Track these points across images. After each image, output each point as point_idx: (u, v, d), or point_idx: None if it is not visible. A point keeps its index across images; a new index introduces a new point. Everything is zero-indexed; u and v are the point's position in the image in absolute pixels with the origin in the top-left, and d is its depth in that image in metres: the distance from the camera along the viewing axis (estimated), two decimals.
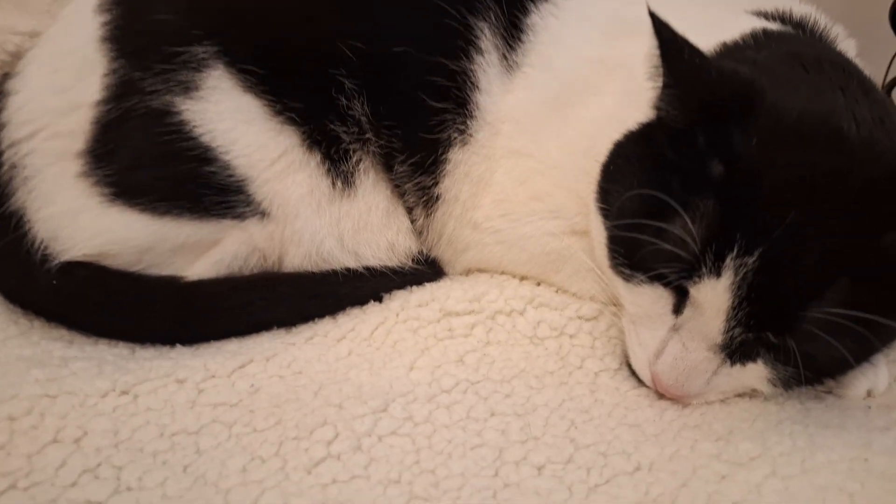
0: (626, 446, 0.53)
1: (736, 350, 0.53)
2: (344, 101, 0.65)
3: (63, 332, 0.64)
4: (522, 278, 0.71)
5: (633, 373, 0.60)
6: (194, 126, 0.62)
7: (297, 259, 0.66)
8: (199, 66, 0.62)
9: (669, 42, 0.50)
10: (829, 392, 0.60)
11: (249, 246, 0.65)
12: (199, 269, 0.65)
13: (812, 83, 0.54)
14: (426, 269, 0.70)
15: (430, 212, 0.70)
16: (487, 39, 0.67)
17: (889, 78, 1.07)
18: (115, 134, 0.62)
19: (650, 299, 0.55)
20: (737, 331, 0.51)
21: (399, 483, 0.49)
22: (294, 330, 0.65)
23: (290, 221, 0.65)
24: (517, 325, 0.65)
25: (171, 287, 0.64)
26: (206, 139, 0.62)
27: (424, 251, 0.71)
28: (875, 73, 0.62)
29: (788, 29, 0.64)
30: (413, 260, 0.70)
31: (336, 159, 0.66)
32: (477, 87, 0.67)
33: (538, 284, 0.70)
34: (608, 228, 0.57)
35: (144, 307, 0.64)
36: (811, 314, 0.48)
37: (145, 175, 0.62)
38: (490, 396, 0.57)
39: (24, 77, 0.66)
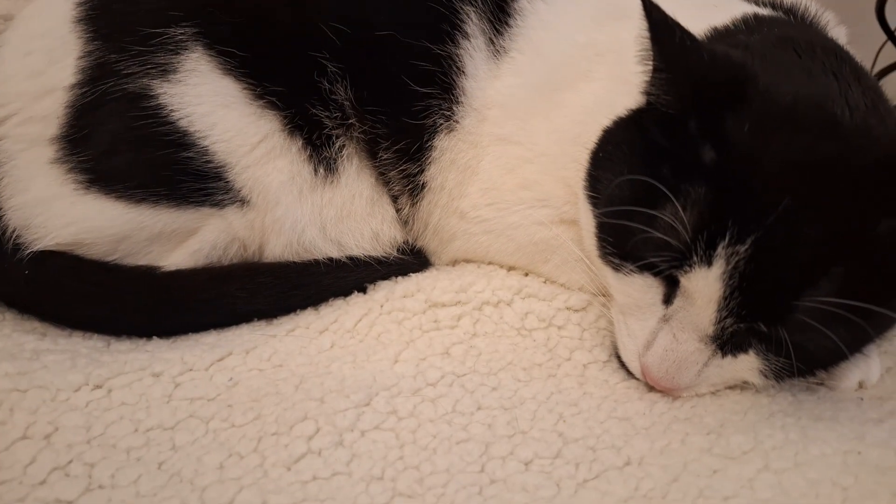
0: (616, 440, 0.52)
1: (727, 341, 0.52)
2: (326, 85, 0.63)
3: (36, 324, 0.62)
4: (510, 269, 0.70)
5: (623, 365, 0.59)
6: (171, 110, 0.60)
7: (278, 248, 0.65)
8: (176, 48, 0.61)
9: (660, 24, 0.49)
10: (821, 384, 0.59)
11: (229, 235, 0.64)
12: (176, 258, 0.63)
13: (805, 68, 0.53)
14: (411, 259, 0.69)
15: (415, 200, 0.69)
16: (474, 24, 0.66)
17: (875, 71, 1.07)
18: (89, 118, 0.60)
19: (640, 289, 0.54)
20: (728, 321, 0.50)
21: (382, 479, 0.48)
22: (275, 322, 0.63)
23: (270, 209, 0.64)
24: (504, 317, 0.64)
25: (148, 277, 0.62)
26: (183, 123, 0.60)
27: (410, 241, 0.70)
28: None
29: (780, 14, 0.63)
30: (398, 250, 0.69)
31: (318, 145, 0.64)
32: (463, 71, 0.66)
33: (526, 275, 0.69)
34: (597, 217, 0.56)
35: (120, 298, 0.62)
36: (804, 303, 0.47)
37: (121, 161, 0.61)
38: (476, 389, 0.56)
39: None
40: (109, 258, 0.63)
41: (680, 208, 0.49)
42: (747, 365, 0.53)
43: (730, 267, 0.48)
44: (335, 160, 0.65)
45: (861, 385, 0.58)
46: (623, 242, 0.53)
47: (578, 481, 0.48)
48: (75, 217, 0.61)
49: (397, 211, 0.69)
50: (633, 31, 0.52)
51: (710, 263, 0.48)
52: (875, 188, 0.47)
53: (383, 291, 0.66)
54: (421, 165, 0.67)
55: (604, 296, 0.62)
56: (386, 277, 0.67)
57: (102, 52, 0.60)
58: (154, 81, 0.60)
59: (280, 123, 0.63)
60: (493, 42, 0.66)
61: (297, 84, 0.63)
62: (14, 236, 0.61)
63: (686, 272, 0.49)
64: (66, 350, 0.59)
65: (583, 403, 0.55)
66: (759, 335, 0.51)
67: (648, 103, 0.54)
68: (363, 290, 0.66)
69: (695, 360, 0.52)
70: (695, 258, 0.49)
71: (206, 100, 0.61)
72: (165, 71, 0.60)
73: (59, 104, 0.61)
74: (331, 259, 0.65)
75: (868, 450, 0.50)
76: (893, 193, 0.48)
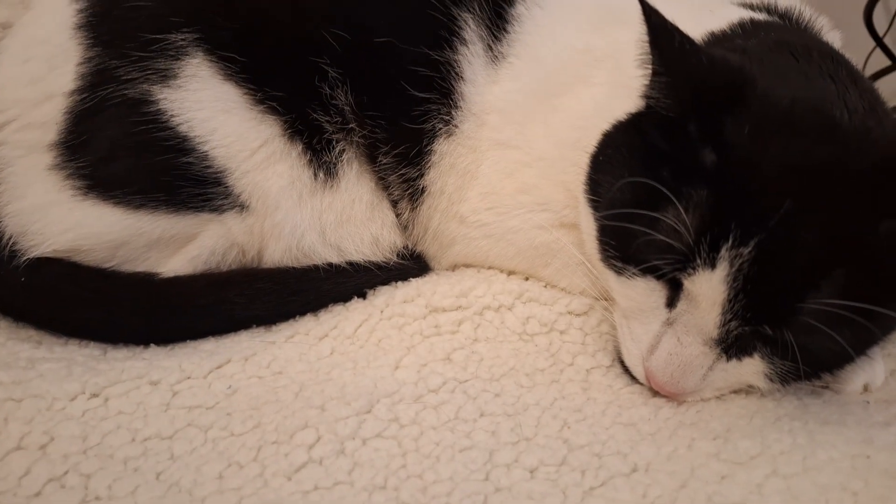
0: (622, 446, 0.51)
1: (732, 344, 0.51)
2: (327, 90, 0.63)
3: (31, 332, 0.62)
4: (510, 273, 0.69)
5: (626, 369, 0.58)
6: (171, 115, 0.60)
7: (277, 254, 0.65)
8: (177, 53, 0.61)
9: (659, 28, 0.49)
10: (826, 387, 0.58)
11: (227, 240, 0.64)
12: (175, 264, 0.63)
13: (802, 71, 0.54)
14: (411, 264, 0.69)
15: (415, 205, 0.69)
16: (472, 30, 0.66)
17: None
18: (89, 124, 0.60)
19: (643, 293, 0.54)
20: (733, 324, 0.50)
21: (385, 489, 0.47)
22: (274, 328, 0.63)
23: (269, 214, 0.63)
24: (506, 321, 0.63)
25: (146, 284, 0.62)
26: (183, 129, 0.60)
27: (410, 246, 0.70)
28: None
29: (775, 19, 0.64)
30: (398, 255, 0.68)
31: (318, 150, 0.64)
32: (462, 77, 0.66)
33: (526, 279, 0.68)
34: (598, 220, 0.56)
35: (117, 305, 0.61)
36: (809, 305, 0.47)
37: (120, 167, 0.60)
38: (479, 396, 0.55)
39: None
40: (107, 265, 0.62)
41: (682, 210, 0.48)
42: (752, 369, 0.52)
43: (734, 269, 0.47)
44: (335, 165, 0.65)
45: (866, 388, 0.58)
46: (625, 245, 0.53)
47: (585, 489, 0.47)
48: (73, 223, 0.61)
49: (397, 215, 0.69)
50: (631, 36, 0.52)
51: (713, 266, 0.48)
52: (875, 190, 0.47)
53: (383, 297, 0.65)
54: (420, 170, 0.67)
55: (606, 300, 0.61)
56: (386, 282, 0.67)
57: (103, 58, 0.60)
58: (154, 87, 0.60)
59: (280, 128, 0.63)
60: (491, 48, 0.67)
61: (298, 89, 0.63)
62: (11, 243, 0.61)
63: (689, 275, 0.49)
64: (62, 358, 0.58)
65: (587, 409, 0.55)
66: (764, 338, 0.50)
67: (648, 107, 0.54)
68: (363, 295, 0.66)
69: (699, 363, 0.52)
70: (698, 260, 0.48)
71: (207, 105, 0.61)
72: (166, 77, 0.60)
73: (59, 110, 0.60)
74: (330, 264, 0.65)
75: (877, 453, 0.50)
76: (893, 194, 0.48)
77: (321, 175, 0.64)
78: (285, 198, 0.63)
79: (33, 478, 0.46)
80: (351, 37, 0.63)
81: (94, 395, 0.54)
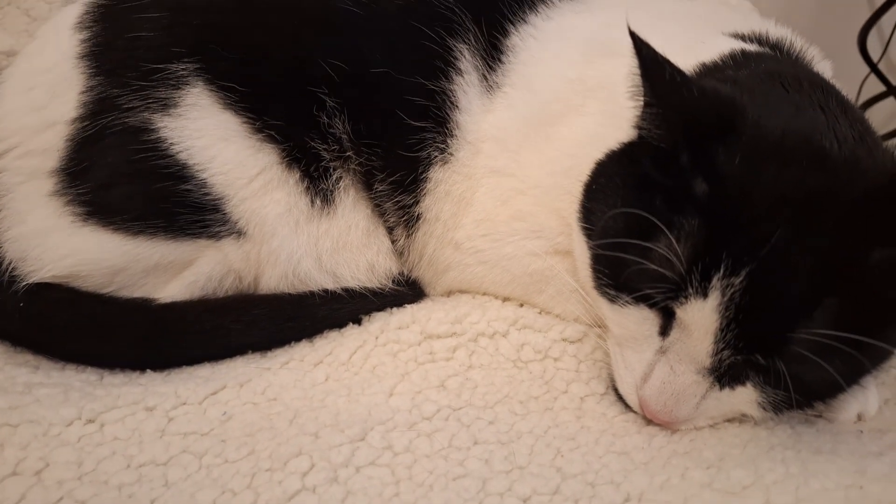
0: (615, 475, 0.51)
1: (725, 373, 0.51)
2: (325, 119, 0.64)
3: (28, 357, 0.62)
4: (505, 299, 0.70)
5: (620, 397, 0.58)
6: (171, 143, 0.61)
7: (274, 280, 0.65)
8: (178, 83, 0.62)
9: (650, 61, 0.50)
10: (820, 416, 0.58)
11: (224, 266, 0.64)
12: (172, 290, 0.63)
13: (792, 101, 0.54)
14: (407, 290, 0.69)
15: (410, 231, 0.69)
16: (467, 60, 0.67)
17: (859, 102, 1.09)
18: (89, 151, 0.61)
19: (636, 321, 0.54)
20: (725, 353, 0.50)
21: None
22: (269, 354, 0.63)
23: (266, 241, 0.64)
24: (500, 348, 0.63)
25: (143, 310, 0.62)
26: (182, 157, 0.61)
27: (405, 272, 0.70)
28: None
29: (766, 50, 0.65)
30: (393, 281, 0.69)
31: (315, 177, 0.65)
32: (457, 106, 0.67)
33: (521, 306, 0.69)
34: (592, 248, 0.57)
35: (114, 331, 0.62)
36: (800, 335, 0.47)
37: (119, 193, 0.61)
38: (473, 423, 0.55)
39: None
40: (105, 290, 0.63)
41: (674, 240, 0.49)
42: (745, 397, 0.53)
43: (725, 299, 0.48)
44: (332, 192, 0.66)
45: (860, 417, 0.58)
46: (618, 274, 0.53)
47: None
48: (72, 249, 0.61)
49: (392, 242, 0.70)
50: (623, 68, 0.53)
51: (705, 295, 0.48)
52: (865, 219, 0.48)
53: (378, 323, 0.65)
54: (416, 197, 0.68)
55: (599, 327, 0.62)
56: (381, 309, 0.67)
57: (104, 87, 0.61)
58: (155, 115, 0.61)
59: (278, 156, 0.64)
60: (486, 78, 0.68)
61: (296, 118, 0.64)
62: (10, 268, 0.61)
63: (682, 304, 0.49)
64: (58, 383, 0.58)
65: (580, 437, 0.55)
66: (757, 367, 0.50)
67: (640, 137, 0.55)
68: (358, 321, 0.66)
69: (693, 392, 0.52)
70: (690, 290, 0.49)
71: (206, 133, 0.61)
72: (166, 105, 0.61)
73: (60, 137, 0.61)
74: (326, 290, 0.65)
75: (869, 484, 0.50)
76: (883, 224, 0.48)
77: (318, 202, 0.65)
78: (282, 224, 0.64)
79: None
80: (348, 67, 0.64)
81: (90, 421, 0.54)
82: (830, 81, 0.61)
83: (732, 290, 0.47)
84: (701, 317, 0.49)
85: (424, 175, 0.67)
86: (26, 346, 0.62)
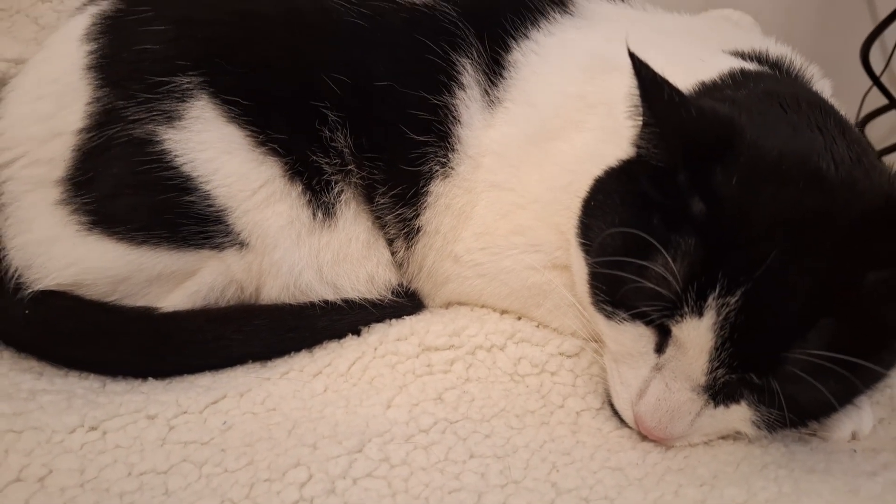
0: (609, 491, 0.51)
1: (719, 391, 0.52)
2: (327, 133, 0.65)
3: (33, 364, 0.63)
4: (503, 312, 0.70)
5: (616, 412, 0.59)
6: (176, 155, 0.62)
7: (275, 291, 0.66)
8: (183, 95, 0.62)
9: (649, 81, 0.51)
10: (814, 434, 0.59)
11: (227, 277, 0.65)
12: (174, 299, 0.64)
13: (790, 122, 0.54)
14: (406, 302, 0.70)
15: (410, 244, 0.70)
16: (469, 75, 0.68)
17: (861, 115, 1.09)
18: (95, 162, 0.62)
19: (632, 337, 0.54)
20: (720, 371, 0.50)
21: None
22: (269, 364, 0.64)
23: (268, 252, 0.64)
24: (497, 362, 0.64)
25: (146, 318, 0.63)
26: (186, 169, 0.62)
27: (404, 283, 0.71)
28: (846, 111, 0.62)
29: (765, 69, 0.65)
30: (393, 292, 0.69)
31: (317, 190, 0.65)
32: (459, 120, 0.67)
33: (519, 319, 0.69)
34: (589, 265, 0.57)
35: (117, 339, 0.63)
36: (794, 355, 0.47)
37: (124, 204, 0.62)
38: (469, 437, 0.56)
39: (5, 104, 0.66)
40: (108, 298, 0.63)
41: (670, 259, 0.49)
42: (739, 415, 0.53)
43: (720, 318, 0.48)
44: (333, 205, 0.66)
45: (854, 436, 0.58)
46: (615, 291, 0.54)
47: None
48: (77, 257, 0.62)
49: (392, 254, 0.70)
50: (623, 84, 0.53)
51: (700, 314, 0.49)
52: (861, 241, 0.48)
53: (377, 334, 0.66)
54: (417, 210, 0.68)
55: (596, 342, 0.62)
56: (380, 320, 0.68)
57: (111, 99, 0.62)
58: (160, 128, 0.62)
59: (281, 169, 0.64)
60: (488, 93, 0.68)
61: (299, 132, 0.64)
62: (16, 276, 0.62)
63: (677, 322, 0.50)
64: (62, 390, 0.59)
65: (576, 452, 0.55)
66: (751, 386, 0.51)
67: (639, 155, 0.55)
68: (357, 332, 0.67)
69: (687, 409, 0.52)
70: (686, 308, 0.49)
71: (210, 146, 0.62)
72: (171, 118, 0.62)
73: (66, 147, 0.62)
74: (326, 301, 0.66)
75: None
76: (879, 246, 0.48)
77: (319, 215, 0.66)
78: (284, 236, 0.64)
79: None
80: (351, 82, 0.65)
81: (93, 429, 0.55)
82: (830, 101, 0.62)
83: (728, 310, 0.48)
84: (696, 335, 0.49)
85: (425, 189, 0.67)
86: (31, 352, 0.63)
